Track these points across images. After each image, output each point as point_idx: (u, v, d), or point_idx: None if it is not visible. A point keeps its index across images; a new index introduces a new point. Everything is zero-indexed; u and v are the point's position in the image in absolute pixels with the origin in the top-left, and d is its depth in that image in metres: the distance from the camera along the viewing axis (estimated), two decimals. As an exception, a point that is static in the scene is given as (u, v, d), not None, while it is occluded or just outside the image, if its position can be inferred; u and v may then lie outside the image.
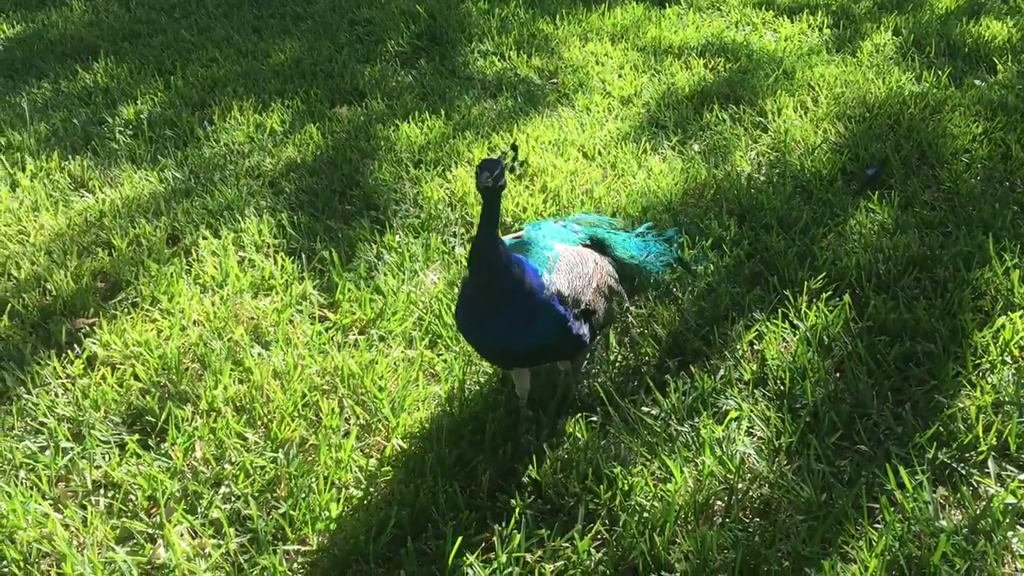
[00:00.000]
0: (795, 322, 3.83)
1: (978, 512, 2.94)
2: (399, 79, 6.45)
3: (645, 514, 3.02)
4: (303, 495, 3.16)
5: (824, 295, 3.93)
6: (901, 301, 3.86)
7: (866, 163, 4.97)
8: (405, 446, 3.37)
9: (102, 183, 5.21)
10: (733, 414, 3.38)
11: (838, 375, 3.58)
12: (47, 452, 3.37)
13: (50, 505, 3.16)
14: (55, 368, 3.74)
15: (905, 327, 3.73)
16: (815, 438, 3.26)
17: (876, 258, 4.15)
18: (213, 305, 4.13)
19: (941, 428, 3.25)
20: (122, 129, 5.79)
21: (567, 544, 2.95)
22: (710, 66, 6.43)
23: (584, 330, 3.22)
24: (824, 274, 4.05)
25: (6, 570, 2.98)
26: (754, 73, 6.19)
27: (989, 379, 3.46)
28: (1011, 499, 2.95)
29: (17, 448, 3.37)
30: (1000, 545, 2.84)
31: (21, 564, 2.97)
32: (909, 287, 3.98)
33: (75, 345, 3.88)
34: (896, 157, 4.96)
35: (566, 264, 3.26)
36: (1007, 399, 3.35)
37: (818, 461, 3.18)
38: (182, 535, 3.06)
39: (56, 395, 3.63)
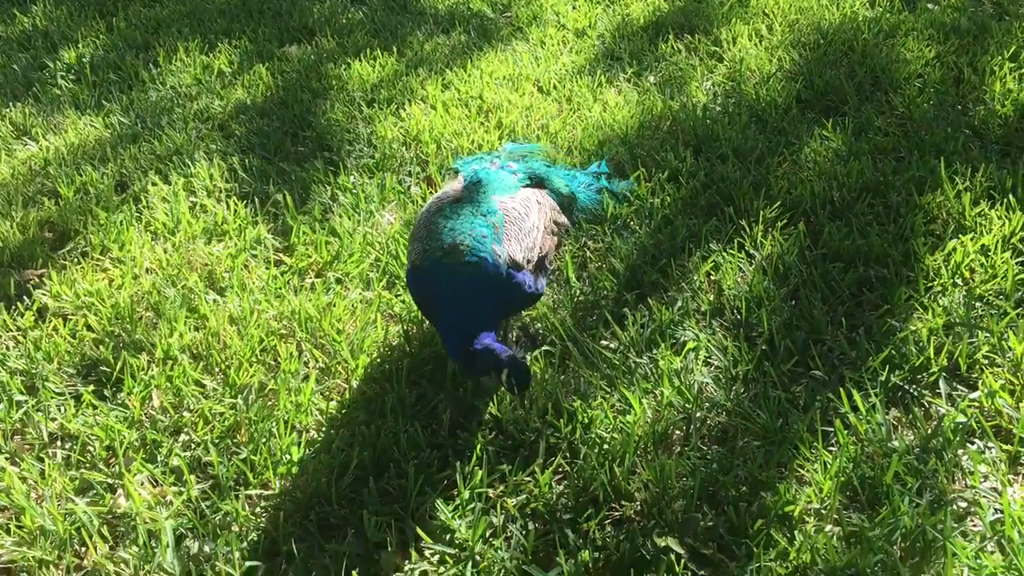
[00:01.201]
0: (751, 252, 3.85)
1: (929, 432, 3.00)
2: (349, 16, 6.31)
3: (605, 446, 3.05)
4: (264, 440, 3.16)
5: (779, 224, 3.95)
6: (855, 227, 3.89)
7: (820, 91, 4.96)
8: (365, 388, 3.36)
9: (45, 130, 5.07)
10: (691, 345, 3.40)
11: (793, 303, 3.61)
12: (0, 406, 3.32)
13: (5, 459, 3.13)
14: (4, 321, 3.67)
15: (858, 253, 3.76)
16: (771, 365, 3.30)
17: (830, 185, 4.17)
18: (165, 252, 4.06)
19: (893, 351, 3.30)
20: (64, 74, 5.62)
21: (529, 478, 2.98)
22: (665, -5, 6.35)
23: (542, 283, 3.23)
24: (779, 203, 4.06)
25: (-36, 525, 2.96)
26: (708, 1, 6.12)
27: (940, 301, 3.51)
28: (961, 418, 3.01)
29: (-31, 403, 3.32)
30: (951, 463, 2.90)
31: (-21, 519, 2.95)
32: (862, 213, 4.00)
33: (24, 297, 3.81)
34: (850, 84, 4.96)
35: (513, 225, 3.21)
36: (958, 321, 3.40)
37: (774, 388, 3.22)
38: (142, 484, 3.05)
39: (7, 348, 3.57)
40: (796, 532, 2.73)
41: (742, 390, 3.25)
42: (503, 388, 3.03)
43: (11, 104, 5.27)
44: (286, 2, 6.43)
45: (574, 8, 6.25)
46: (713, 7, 6.01)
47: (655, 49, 5.62)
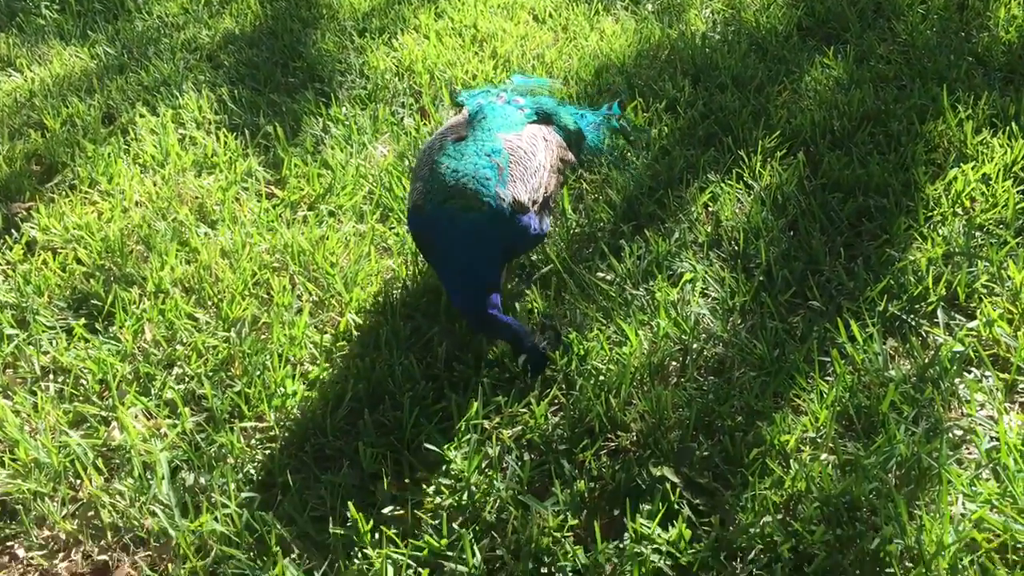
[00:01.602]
0: (749, 182, 3.80)
1: (926, 361, 2.99)
2: (339, -57, 6.13)
3: (601, 378, 3.03)
4: (258, 373, 3.14)
5: (778, 154, 3.89)
6: (855, 157, 3.83)
7: (822, 18, 4.85)
8: (359, 321, 3.34)
9: (30, 61, 4.96)
10: (688, 276, 3.37)
11: (792, 233, 3.57)
12: (-9, 340, 3.30)
13: (-2, 392, 3.12)
14: (-7, 255, 3.63)
15: (858, 183, 3.71)
16: (768, 296, 3.27)
17: (831, 115, 4.09)
18: (155, 185, 4.00)
19: (892, 281, 3.27)
20: (48, 4, 5.49)
21: (525, 410, 2.97)
22: (663, -79, 6.17)
23: (546, 223, 3.17)
24: (778, 132, 3.99)
25: (-42, 458, 2.96)
26: (708, -73, 5.95)
27: (940, 231, 3.47)
28: (958, 347, 3.00)
29: (-40, 337, 3.29)
30: (947, 392, 2.90)
31: (-27, 452, 2.95)
32: (863, 143, 3.94)
33: (12, 230, 3.76)
34: (852, 11, 4.85)
35: (519, 165, 3.11)
36: (957, 250, 3.36)
37: (771, 319, 3.20)
38: (136, 417, 3.04)
39: (-4, 282, 3.53)
40: (791, 461, 2.73)
41: (739, 321, 3.23)
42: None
43: (-6, 35, 5.16)
44: (274, -71, 6.25)
45: (570, -66, 6.07)
46: (713, -68, 5.84)
47: (653, -24, 5.48)
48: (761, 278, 3.35)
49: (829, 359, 3.03)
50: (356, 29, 5.12)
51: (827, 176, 3.76)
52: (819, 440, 2.79)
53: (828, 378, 3.00)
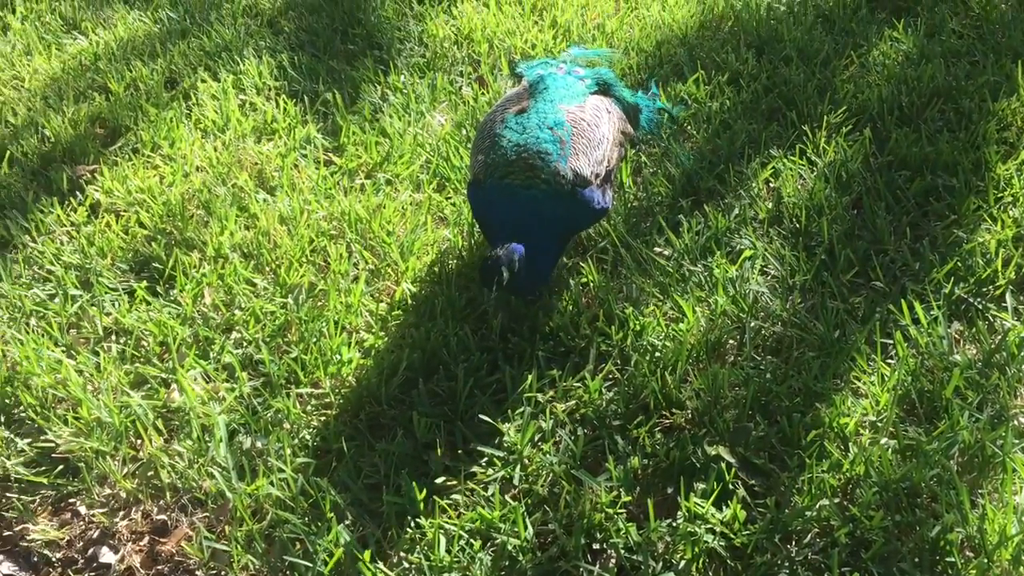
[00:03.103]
0: (813, 158, 3.72)
1: (993, 346, 2.91)
2: (399, -92, 6.09)
3: (657, 354, 3.01)
4: (314, 339, 3.16)
5: (844, 130, 3.80)
6: (923, 134, 3.72)
7: (893, -10, 4.71)
8: (415, 290, 3.34)
9: (95, 24, 5.02)
10: (747, 253, 3.32)
11: (856, 212, 3.49)
12: (56, 300, 3.36)
13: (62, 352, 3.18)
14: (59, 216, 3.69)
15: (926, 161, 3.61)
16: (830, 276, 3.21)
17: (899, 90, 3.98)
18: (216, 150, 4.03)
19: (959, 263, 3.19)
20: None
21: (579, 384, 2.96)
22: None
23: (608, 197, 3.11)
24: (844, 108, 3.90)
25: (23, 415, 3.03)
26: None
27: (1011, 212, 3.37)
28: (1027, 334, 2.92)
29: (26, 296, 3.36)
30: (1014, 378, 2.83)
31: (38, 409, 3.01)
32: (932, 119, 3.83)
33: (77, 192, 3.82)
34: (925, -18, 4.70)
35: (582, 137, 3.06)
36: (1029, 233, 3.27)
37: (832, 299, 3.14)
38: (195, 379, 3.08)
39: (61, 243, 3.59)
40: (851, 444, 2.69)
41: (799, 300, 3.17)
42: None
43: (60, -3, 5.21)
44: None
45: (633, -99, 5.96)
46: (781, -100, 5.69)
47: (718, -55, 5.36)
48: (823, 257, 3.28)
49: (892, 341, 2.96)
50: (415, -4, 5.09)
51: (894, 154, 3.67)
52: (879, 424, 2.74)
53: (890, 361, 2.94)
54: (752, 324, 3.08)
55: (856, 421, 2.74)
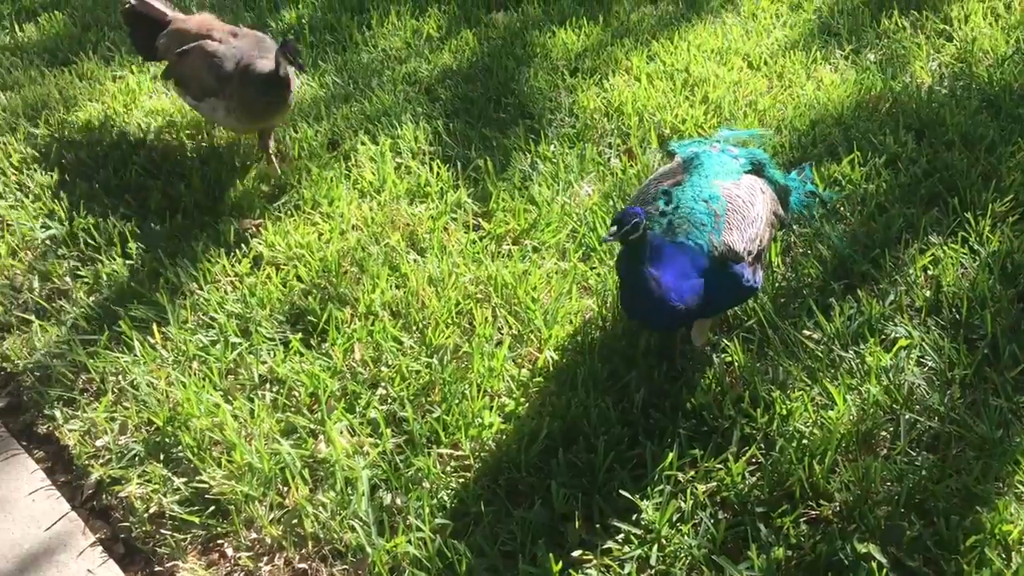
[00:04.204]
0: (976, 247, 3.58)
1: None
2: (556, -17, 6.26)
3: (804, 441, 2.92)
4: (456, 401, 3.22)
5: (1010, 219, 3.66)
6: (1099, 228, 3.55)
7: (1065, 75, 4.54)
8: (557, 358, 3.36)
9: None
10: (903, 342, 3.20)
11: (1022, 306, 3.33)
12: (217, 346, 3.53)
13: (221, 396, 3.33)
14: (224, 266, 3.89)
15: (1102, 257, 3.43)
16: (993, 372, 3.07)
17: (1072, 180, 3.81)
18: (371, 210, 4.19)
19: None
20: (285, 31, 5.88)
21: (721, 466, 2.90)
22: (890, -32, 5.96)
23: (759, 276, 3.06)
24: (1011, 196, 3.75)
25: (181, 455, 3.17)
26: (940, -24, 5.70)
27: None
28: None
29: (191, 340, 3.55)
30: None
31: (195, 450, 3.15)
32: (1109, 213, 3.65)
33: (243, 245, 4.02)
34: (1101, 69, 4.51)
35: (736, 212, 3.03)
36: None
37: (995, 396, 3.00)
38: (342, 432, 3.17)
39: (225, 292, 3.78)
40: (1013, 554, 2.54)
41: (958, 395, 3.04)
42: None
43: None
44: (494, -32, 6.46)
45: (789, -20, 5.96)
46: (944, -19, 5.60)
47: (876, 25, 5.29)
48: (985, 351, 3.14)
49: (1062, 446, 2.80)
50: (568, 68, 5.20)
51: (1065, 247, 3.50)
52: (1047, 534, 2.58)
53: (1060, 467, 2.77)
54: (907, 417, 2.97)
55: (1021, 529, 2.59)
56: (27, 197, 4.42)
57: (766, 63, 5.05)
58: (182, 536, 2.96)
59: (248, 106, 4.21)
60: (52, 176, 4.54)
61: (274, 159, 4.48)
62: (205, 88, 4.26)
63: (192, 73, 4.33)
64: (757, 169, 3.42)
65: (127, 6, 4.69)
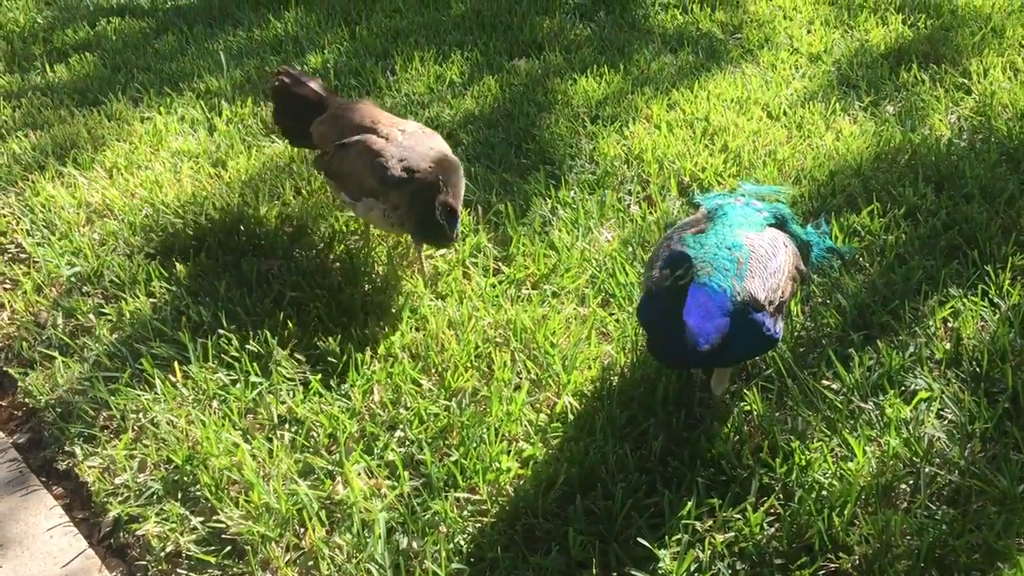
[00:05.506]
0: (996, 300, 3.58)
1: None
2: (577, 32, 6.37)
3: (823, 492, 2.91)
4: (474, 445, 3.22)
5: (1030, 273, 3.66)
6: (1120, 284, 3.54)
7: (1084, 130, 4.56)
8: (575, 403, 3.37)
9: (290, 130, 5.39)
10: (923, 394, 3.20)
11: (1043, 360, 3.33)
12: (237, 385, 3.55)
13: (240, 435, 3.34)
14: (247, 307, 3.92)
15: (1124, 312, 3.42)
16: (1014, 426, 3.05)
17: (1092, 235, 3.82)
18: (391, 254, 4.22)
19: None
20: (311, 73, 5.98)
21: (739, 516, 2.89)
22: (909, 22, 6.03)
23: (779, 326, 3.06)
24: (1031, 250, 3.76)
25: (199, 493, 3.18)
26: (958, 30, 5.77)
27: None
28: None
29: (211, 379, 3.57)
30: None
31: (213, 489, 3.16)
32: None
33: (264, 284, 4.06)
34: (1120, 125, 4.53)
35: (759, 262, 3.05)
36: None
37: (1016, 451, 2.98)
38: (359, 474, 3.18)
39: (247, 331, 3.81)
40: (1036, 612, 2.51)
41: (979, 449, 3.02)
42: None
43: (262, 103, 5.64)
44: (517, 17, 6.57)
45: (809, 32, 6.04)
46: (963, 36, 5.65)
47: (895, 78, 5.35)
48: (1006, 405, 3.13)
49: (1084, 503, 2.77)
50: (588, 115, 5.26)
51: (1087, 301, 3.50)
52: (1070, 593, 2.55)
53: (1082, 524, 2.74)
54: (927, 470, 2.95)
55: (1043, 587, 2.56)
56: (53, 235, 4.49)
57: (785, 113, 5.10)
58: (198, 576, 2.96)
59: (411, 222, 3.83)
60: (80, 214, 4.61)
61: (424, 259, 4.12)
62: (364, 188, 3.85)
63: (351, 170, 3.93)
64: (780, 223, 3.44)
65: (278, 82, 4.30)
